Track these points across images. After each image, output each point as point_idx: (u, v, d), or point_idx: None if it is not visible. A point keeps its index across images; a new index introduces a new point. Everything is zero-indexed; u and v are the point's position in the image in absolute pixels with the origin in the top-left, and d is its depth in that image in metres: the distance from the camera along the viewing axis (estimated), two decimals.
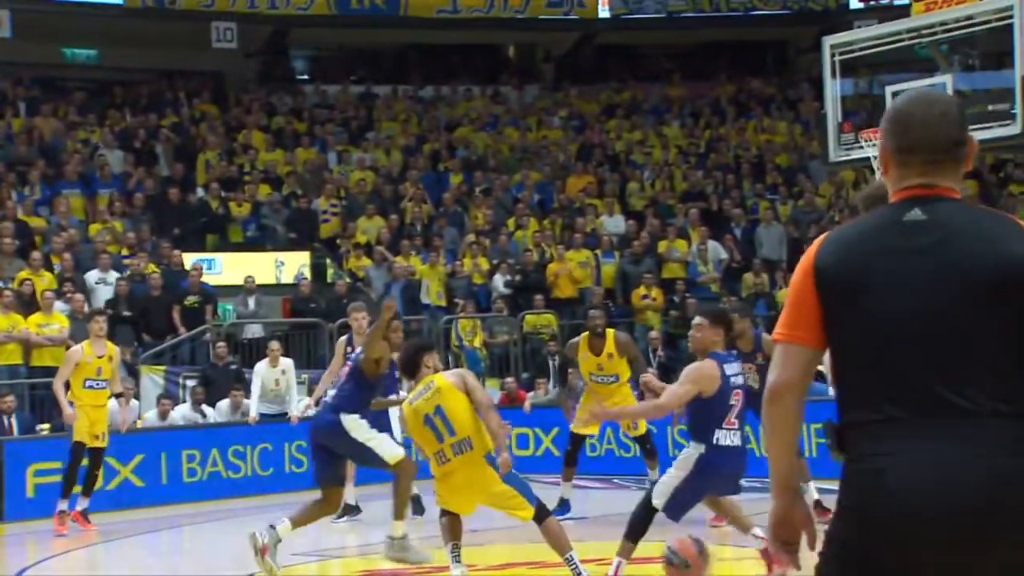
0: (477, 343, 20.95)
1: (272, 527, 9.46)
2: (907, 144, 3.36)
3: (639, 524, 8.72)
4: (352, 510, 13.37)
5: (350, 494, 13.24)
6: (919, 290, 3.22)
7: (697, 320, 8.87)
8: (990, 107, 13.80)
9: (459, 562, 8.91)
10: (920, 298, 3.21)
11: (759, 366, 12.28)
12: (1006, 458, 3.11)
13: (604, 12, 29.84)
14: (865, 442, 3.23)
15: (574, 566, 8.55)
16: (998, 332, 3.18)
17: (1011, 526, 3.09)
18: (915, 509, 3.11)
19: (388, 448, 10.22)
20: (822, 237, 3.46)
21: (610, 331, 13.38)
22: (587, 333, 13.33)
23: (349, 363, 10.75)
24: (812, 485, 12.27)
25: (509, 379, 19.08)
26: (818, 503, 12.25)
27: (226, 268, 21.52)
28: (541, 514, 8.76)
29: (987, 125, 13.63)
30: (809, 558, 3.44)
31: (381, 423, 11.10)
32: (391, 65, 30.90)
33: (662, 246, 22.92)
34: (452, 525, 9.02)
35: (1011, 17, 13.38)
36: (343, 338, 13.98)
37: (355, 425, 10.08)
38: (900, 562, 3.16)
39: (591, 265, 22.38)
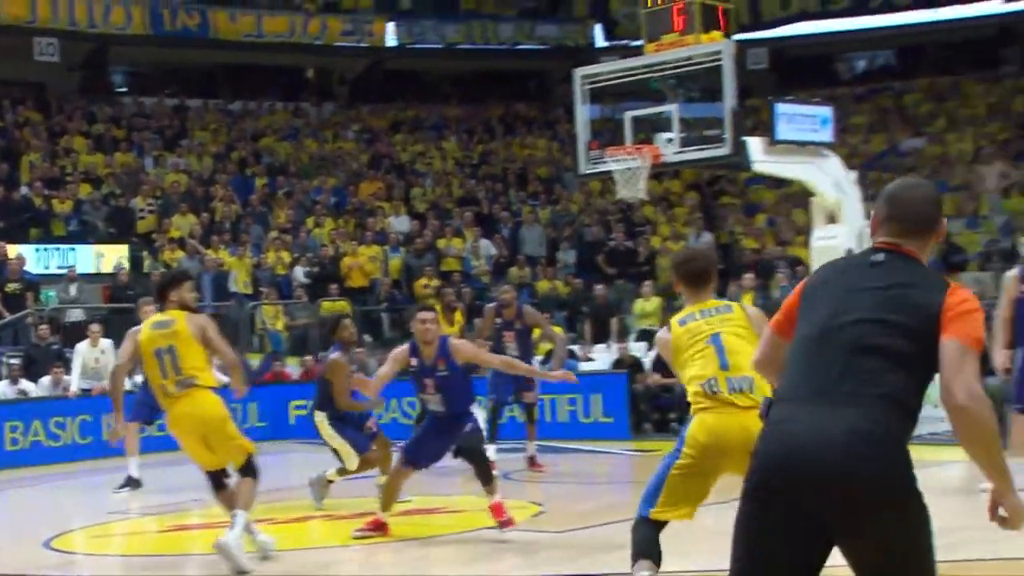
0: (280, 326, 20.86)
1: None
2: (892, 215, 3.79)
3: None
4: (134, 482, 12.42)
5: (132, 463, 12.53)
6: (854, 309, 3.64)
7: (429, 315, 8.67)
8: (706, 132, 14.24)
9: (233, 530, 7.64)
10: (853, 315, 3.62)
11: (517, 331, 12.72)
12: (865, 423, 3.47)
13: (391, 41, 29.85)
14: (779, 409, 3.65)
15: (235, 523, 7.65)
16: (903, 349, 3.55)
17: (857, 472, 3.44)
18: (794, 452, 3.50)
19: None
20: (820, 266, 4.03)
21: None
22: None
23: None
24: (533, 445, 12.70)
25: (307, 357, 19.01)
26: (531, 459, 12.70)
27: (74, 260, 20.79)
28: (249, 468, 7.94)
29: (704, 147, 14.11)
30: None
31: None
32: (203, 81, 30.27)
33: (441, 243, 23.13)
34: (227, 495, 7.98)
35: (721, 59, 13.90)
36: (133, 328, 13.30)
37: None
38: (785, 490, 3.53)
39: (380, 259, 22.44)
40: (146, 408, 12.56)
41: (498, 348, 12.74)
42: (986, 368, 11.59)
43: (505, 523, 8.54)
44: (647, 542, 5.70)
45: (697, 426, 5.70)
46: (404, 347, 8.80)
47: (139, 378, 12.90)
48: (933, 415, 16.04)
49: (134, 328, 8.57)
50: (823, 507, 3.49)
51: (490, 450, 12.31)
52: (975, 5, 27.82)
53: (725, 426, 5.62)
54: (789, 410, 3.61)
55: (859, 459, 3.44)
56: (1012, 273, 10.09)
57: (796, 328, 3.79)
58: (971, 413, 3.43)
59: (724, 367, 5.73)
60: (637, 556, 5.66)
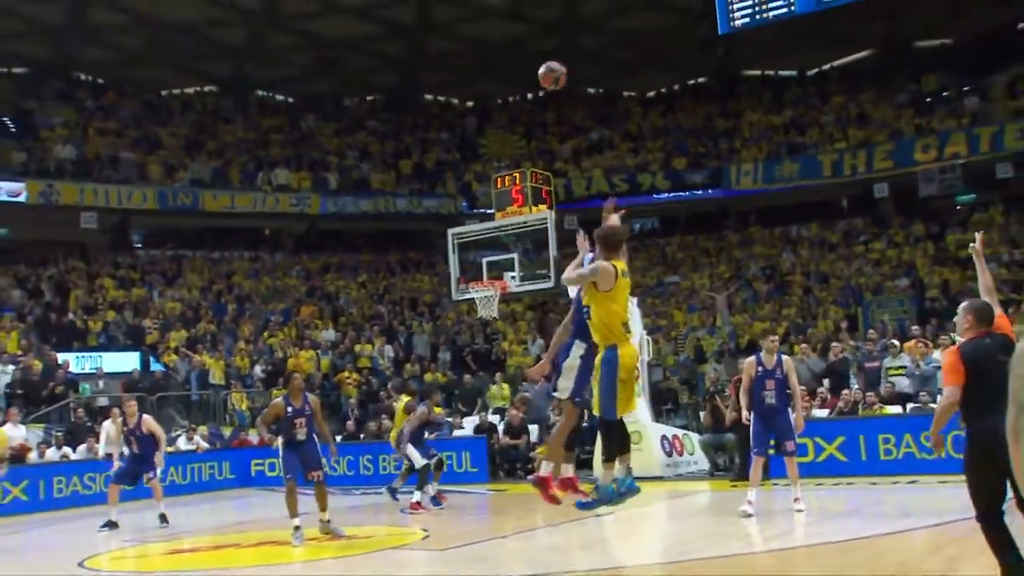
0: (244, 407, 20.39)
1: None
2: (980, 318, 5.01)
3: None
4: (112, 524, 11.60)
5: (112, 511, 11.83)
6: (1001, 364, 4.39)
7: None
8: (538, 271, 14.47)
9: None
10: (1000, 369, 4.38)
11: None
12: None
13: (323, 211, 29.82)
14: (980, 419, 4.75)
15: None
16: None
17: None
18: (998, 437, 4.25)
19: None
20: (959, 345, 5.03)
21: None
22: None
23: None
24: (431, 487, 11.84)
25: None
26: (438, 494, 11.87)
27: (102, 363, 20.22)
28: None
29: (536, 281, 14.35)
30: None
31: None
32: (193, 239, 29.71)
33: (357, 348, 22.95)
34: None
35: (547, 223, 14.35)
36: (120, 420, 12.27)
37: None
38: (996, 458, 4.34)
39: (314, 360, 22.14)
40: (128, 477, 12.08)
41: (419, 435, 11.95)
42: (724, 427, 11.72)
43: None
44: (624, 437, 5.94)
45: (626, 356, 5.84)
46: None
47: (126, 450, 12.37)
48: (688, 460, 16.12)
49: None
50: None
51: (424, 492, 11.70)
52: (707, 191, 29.35)
53: (633, 351, 5.96)
54: (984, 419, 4.66)
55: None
56: (750, 359, 9.54)
57: (971, 376, 4.80)
58: None
59: (625, 315, 6.03)
60: (623, 451, 5.91)
